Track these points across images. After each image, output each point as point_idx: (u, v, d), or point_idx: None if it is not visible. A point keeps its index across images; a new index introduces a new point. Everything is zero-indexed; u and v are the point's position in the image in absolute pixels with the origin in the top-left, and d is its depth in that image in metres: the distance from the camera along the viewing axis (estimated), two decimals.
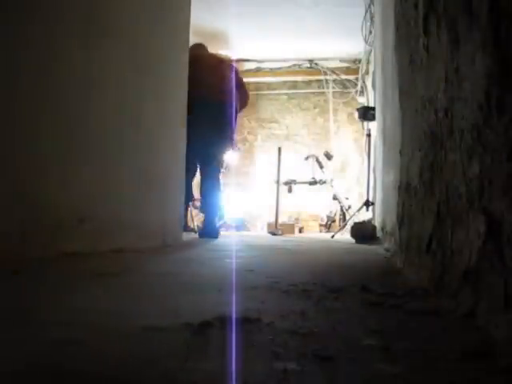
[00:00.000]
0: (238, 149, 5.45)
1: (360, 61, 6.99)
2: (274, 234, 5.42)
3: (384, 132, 3.54)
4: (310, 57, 7.57)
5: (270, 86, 8.25)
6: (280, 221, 5.84)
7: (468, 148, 1.05)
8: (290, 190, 6.72)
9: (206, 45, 4.72)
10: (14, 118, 1.97)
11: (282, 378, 0.68)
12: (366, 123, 5.99)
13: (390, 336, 0.92)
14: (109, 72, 2.61)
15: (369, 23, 5.22)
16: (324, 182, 6.60)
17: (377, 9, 4.59)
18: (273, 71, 7.88)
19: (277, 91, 8.34)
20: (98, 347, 0.81)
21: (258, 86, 8.15)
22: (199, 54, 4.33)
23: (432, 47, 1.45)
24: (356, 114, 5.03)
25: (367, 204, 4.66)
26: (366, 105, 6.04)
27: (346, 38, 6.46)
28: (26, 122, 2.03)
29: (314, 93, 8.26)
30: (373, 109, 4.73)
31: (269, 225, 5.99)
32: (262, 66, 7.86)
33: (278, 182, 5.71)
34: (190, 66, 3.66)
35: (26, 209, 1.99)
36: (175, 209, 3.47)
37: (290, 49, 7.13)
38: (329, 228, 7.17)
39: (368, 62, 6.33)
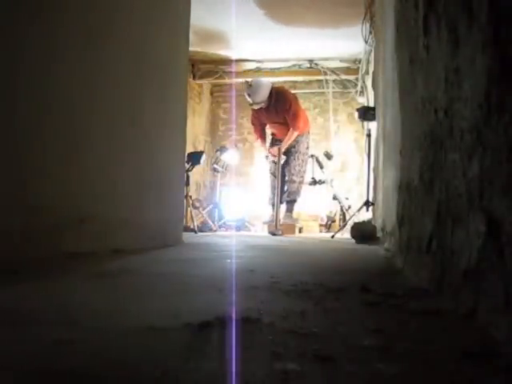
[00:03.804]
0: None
1: (360, 61, 6.98)
2: (274, 234, 5.41)
3: (384, 132, 3.54)
4: (309, 57, 7.56)
5: None
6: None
7: (468, 148, 1.05)
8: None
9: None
10: (15, 119, 1.97)
11: (282, 378, 0.68)
12: (366, 123, 5.97)
13: (390, 336, 0.92)
14: (109, 72, 2.61)
15: (369, 23, 5.22)
16: (324, 182, 6.59)
17: (377, 9, 4.59)
18: (273, 71, 7.87)
19: None
20: (99, 347, 0.81)
21: None
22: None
23: (432, 47, 1.45)
24: (356, 114, 5.02)
25: (367, 204, 4.65)
26: (365, 105, 6.03)
27: (346, 38, 6.45)
28: (27, 122, 2.03)
29: (314, 93, 8.26)
30: (373, 109, 4.71)
31: (269, 225, 5.98)
32: (262, 66, 7.85)
33: (278, 182, 5.70)
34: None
35: (27, 209, 1.99)
36: (175, 209, 3.47)
37: (290, 49, 7.12)
38: (329, 228, 7.16)
39: (368, 62, 6.32)
